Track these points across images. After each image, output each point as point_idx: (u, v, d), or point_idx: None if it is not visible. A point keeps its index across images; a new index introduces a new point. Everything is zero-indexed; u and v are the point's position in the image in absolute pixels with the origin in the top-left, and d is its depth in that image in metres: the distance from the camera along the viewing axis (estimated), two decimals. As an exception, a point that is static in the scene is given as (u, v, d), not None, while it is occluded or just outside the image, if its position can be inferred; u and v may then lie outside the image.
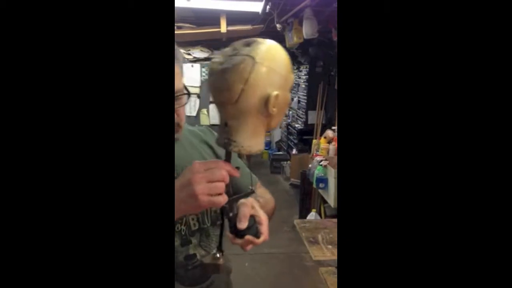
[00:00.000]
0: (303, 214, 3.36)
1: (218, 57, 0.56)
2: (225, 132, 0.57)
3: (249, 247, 0.65)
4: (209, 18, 3.21)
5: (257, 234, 0.64)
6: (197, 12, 3.07)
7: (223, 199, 0.57)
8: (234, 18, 3.26)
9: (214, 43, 3.78)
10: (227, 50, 0.56)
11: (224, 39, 3.58)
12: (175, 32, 3.40)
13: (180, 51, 0.75)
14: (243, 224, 0.62)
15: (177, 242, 0.79)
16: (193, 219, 0.81)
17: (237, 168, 0.60)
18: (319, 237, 1.78)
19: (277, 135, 4.36)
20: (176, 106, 0.72)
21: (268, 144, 4.96)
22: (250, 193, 0.68)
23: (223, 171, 0.57)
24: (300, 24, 3.00)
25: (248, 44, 0.55)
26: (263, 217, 0.66)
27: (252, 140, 0.56)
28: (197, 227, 0.81)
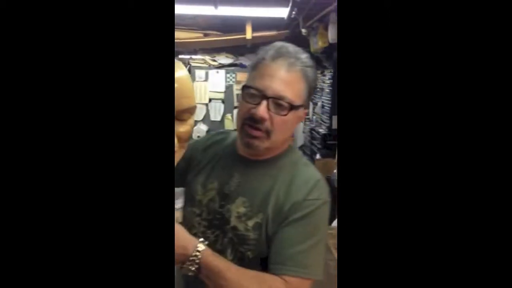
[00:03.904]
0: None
1: None
2: None
3: None
4: (235, 25, 3.25)
5: None
6: (224, 19, 3.11)
7: None
8: (259, 23, 3.29)
9: (239, 49, 3.82)
10: None
11: (249, 45, 3.61)
12: (203, 39, 3.45)
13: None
14: None
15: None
16: None
17: None
18: (347, 245, 1.76)
19: (300, 139, 4.32)
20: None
21: (291, 149, 4.92)
22: None
23: None
24: (326, 28, 2.99)
25: None
26: None
27: None
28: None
